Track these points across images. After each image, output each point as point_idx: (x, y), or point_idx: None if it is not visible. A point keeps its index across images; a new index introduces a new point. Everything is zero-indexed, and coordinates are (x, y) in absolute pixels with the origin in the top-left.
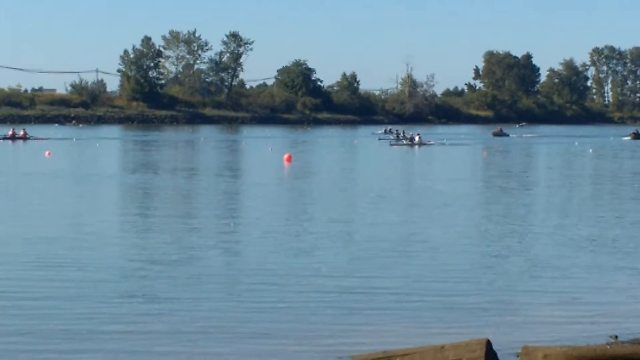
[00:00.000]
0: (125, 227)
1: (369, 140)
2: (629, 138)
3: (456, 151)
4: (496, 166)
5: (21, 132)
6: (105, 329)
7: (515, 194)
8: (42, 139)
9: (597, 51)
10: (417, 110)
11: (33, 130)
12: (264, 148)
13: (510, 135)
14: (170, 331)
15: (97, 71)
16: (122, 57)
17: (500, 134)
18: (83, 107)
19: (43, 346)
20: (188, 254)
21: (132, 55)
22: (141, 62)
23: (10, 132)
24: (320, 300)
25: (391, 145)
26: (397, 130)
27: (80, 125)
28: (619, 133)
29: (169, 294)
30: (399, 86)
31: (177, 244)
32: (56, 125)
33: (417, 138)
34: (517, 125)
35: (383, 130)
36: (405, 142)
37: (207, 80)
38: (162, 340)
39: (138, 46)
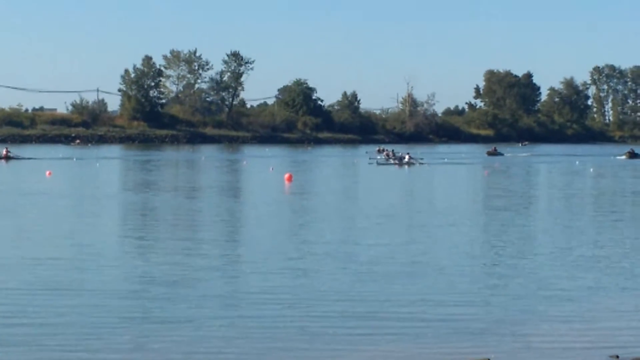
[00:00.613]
0: (125, 248)
1: (362, 159)
2: (623, 157)
3: (457, 170)
4: (498, 185)
5: (4, 152)
6: (103, 357)
7: (518, 214)
8: (26, 158)
9: (597, 70)
10: (418, 130)
11: (36, 150)
12: (265, 167)
13: (505, 155)
14: (171, 354)
15: (97, 90)
16: (122, 77)
17: (494, 153)
18: (84, 126)
19: None
20: (188, 275)
21: (132, 75)
22: (142, 82)
23: (4, 152)
24: (322, 323)
25: (378, 164)
26: (385, 150)
27: (89, 145)
28: (619, 152)
29: (168, 315)
30: (400, 105)
31: (177, 265)
32: (60, 145)
33: (406, 157)
34: (519, 145)
35: (376, 150)
36: (393, 162)
37: (207, 99)
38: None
39: (139, 65)
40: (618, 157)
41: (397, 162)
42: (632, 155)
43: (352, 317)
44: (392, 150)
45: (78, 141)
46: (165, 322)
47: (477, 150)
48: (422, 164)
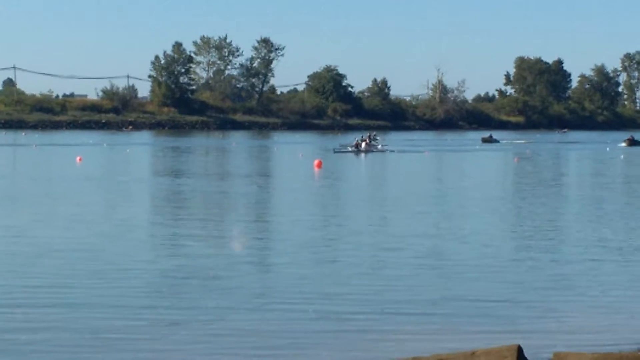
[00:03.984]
0: (157, 233)
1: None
2: (624, 145)
3: (488, 156)
4: (527, 172)
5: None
6: (132, 337)
7: (548, 200)
8: None
9: (628, 57)
10: (448, 116)
11: (70, 136)
12: (295, 154)
13: (501, 142)
14: (198, 341)
15: (128, 77)
16: (153, 63)
17: (490, 140)
18: (114, 112)
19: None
20: (218, 261)
21: (163, 61)
22: (172, 68)
23: None
24: (351, 308)
25: (334, 152)
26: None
27: (130, 127)
28: None
29: (198, 302)
30: (430, 92)
31: (207, 251)
32: (125, 130)
33: (363, 145)
34: (558, 132)
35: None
36: (350, 149)
37: (237, 85)
38: (190, 351)
39: (169, 52)
40: (619, 145)
41: (354, 149)
42: (632, 142)
43: (380, 300)
44: (369, 136)
45: (130, 127)
46: (192, 310)
47: (510, 137)
48: (384, 150)
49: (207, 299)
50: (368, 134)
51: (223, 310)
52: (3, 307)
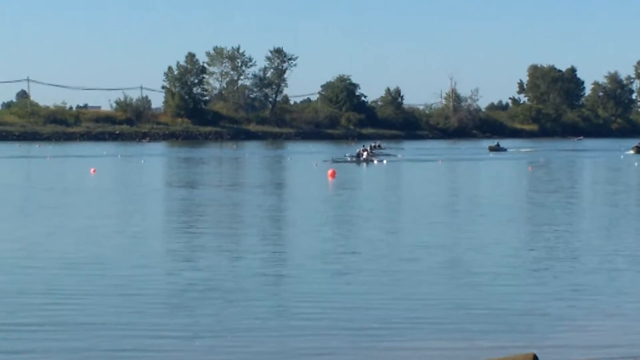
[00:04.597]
0: (171, 245)
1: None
2: (631, 152)
3: (500, 165)
4: (542, 181)
5: None
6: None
7: (564, 208)
8: None
9: None
10: (462, 125)
11: (84, 148)
12: (309, 163)
13: (508, 150)
14: (214, 353)
15: (141, 88)
16: (166, 74)
17: (496, 148)
18: (128, 123)
19: None
20: (233, 274)
21: (176, 72)
22: (185, 79)
23: None
24: (366, 317)
25: (333, 162)
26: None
27: (147, 138)
28: None
29: (213, 316)
30: (443, 101)
31: (223, 263)
32: (143, 141)
33: (364, 155)
34: (573, 139)
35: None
36: (350, 159)
37: (251, 96)
38: None
39: (182, 62)
40: (626, 152)
41: (354, 159)
42: None
43: (395, 310)
44: (371, 146)
45: (148, 138)
46: (207, 321)
47: (524, 145)
48: (383, 160)
49: (222, 313)
50: (371, 144)
51: (239, 324)
52: (17, 324)
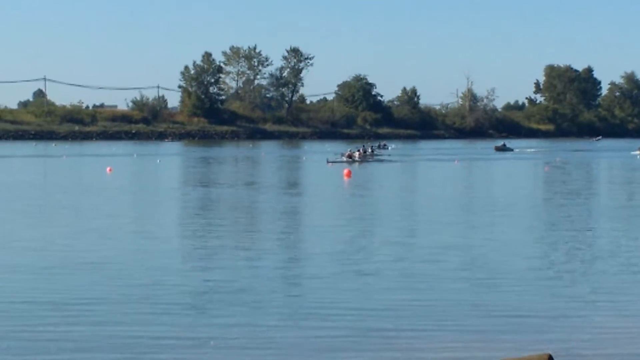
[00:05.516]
0: (187, 245)
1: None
2: (638, 153)
3: (517, 164)
4: (559, 181)
5: None
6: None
7: (582, 208)
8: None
9: None
10: (478, 125)
11: (100, 147)
12: (325, 163)
13: (514, 150)
14: (229, 355)
15: (158, 87)
16: (182, 73)
17: (503, 148)
18: (144, 123)
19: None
20: (249, 274)
21: (192, 71)
22: (202, 78)
23: None
24: (382, 317)
25: (328, 162)
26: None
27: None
28: None
29: (229, 317)
30: (460, 100)
31: (239, 263)
32: (166, 140)
33: (356, 155)
34: (593, 139)
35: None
36: (345, 160)
37: (267, 95)
38: None
39: (199, 62)
40: (632, 153)
41: (348, 159)
42: None
43: (411, 308)
44: (363, 147)
45: (171, 137)
46: (222, 321)
47: (542, 145)
48: (382, 160)
49: (238, 314)
50: (372, 145)
51: (255, 325)
52: (32, 324)
